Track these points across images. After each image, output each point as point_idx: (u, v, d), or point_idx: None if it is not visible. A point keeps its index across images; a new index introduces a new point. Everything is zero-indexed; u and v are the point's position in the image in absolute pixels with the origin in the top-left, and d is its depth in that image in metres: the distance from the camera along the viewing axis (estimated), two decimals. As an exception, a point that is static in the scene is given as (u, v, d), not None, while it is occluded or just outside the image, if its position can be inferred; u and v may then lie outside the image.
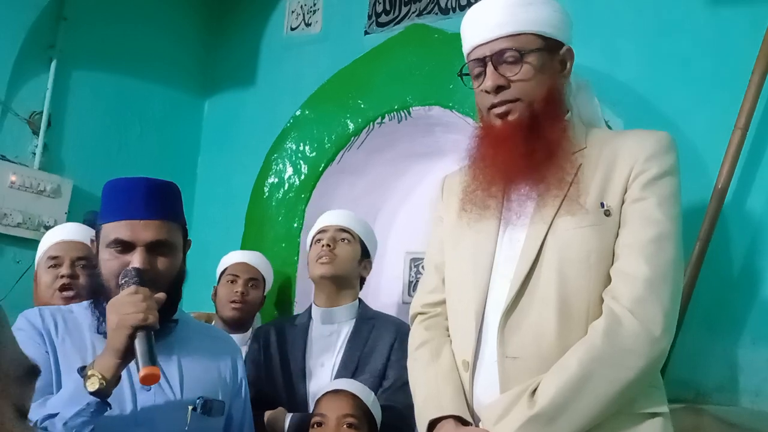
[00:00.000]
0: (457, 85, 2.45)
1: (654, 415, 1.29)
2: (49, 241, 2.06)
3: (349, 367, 1.90)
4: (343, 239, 2.06)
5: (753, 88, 1.77)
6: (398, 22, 2.66)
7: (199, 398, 1.40)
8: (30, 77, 2.57)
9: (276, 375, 1.96)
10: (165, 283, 1.38)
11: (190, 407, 1.38)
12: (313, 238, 2.13)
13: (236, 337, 2.35)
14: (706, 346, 1.78)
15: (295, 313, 2.69)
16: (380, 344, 1.92)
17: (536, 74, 1.38)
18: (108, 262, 1.37)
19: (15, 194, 2.48)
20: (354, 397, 1.67)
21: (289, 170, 2.81)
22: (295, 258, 2.74)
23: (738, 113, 1.78)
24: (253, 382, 1.96)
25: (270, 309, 2.76)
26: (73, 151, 2.69)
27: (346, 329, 1.99)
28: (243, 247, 2.77)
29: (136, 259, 1.35)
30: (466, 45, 1.47)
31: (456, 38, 2.45)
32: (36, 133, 2.58)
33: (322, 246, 2.03)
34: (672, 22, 2.00)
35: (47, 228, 2.52)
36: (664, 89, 1.97)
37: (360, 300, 2.07)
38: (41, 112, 2.59)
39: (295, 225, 2.76)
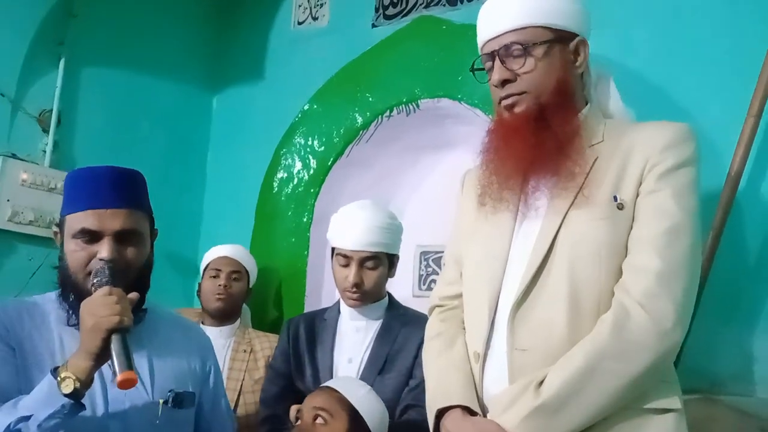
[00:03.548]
0: (465, 76, 2.44)
1: (665, 411, 1.28)
2: None
3: (376, 364, 1.88)
4: (369, 266, 1.94)
5: (766, 75, 1.75)
6: (405, 14, 2.65)
7: (169, 391, 1.40)
8: (39, 75, 2.57)
9: (304, 368, 1.95)
10: (133, 272, 1.37)
11: (161, 401, 1.37)
12: (334, 251, 1.99)
13: (225, 329, 2.43)
14: (720, 336, 1.76)
15: (305, 306, 2.71)
16: (409, 343, 1.88)
17: (542, 66, 1.38)
18: (75, 253, 1.35)
19: (26, 192, 2.49)
20: (332, 392, 1.66)
21: (298, 165, 2.81)
22: (305, 252, 2.74)
23: (751, 101, 1.76)
24: (282, 374, 1.99)
25: (281, 303, 2.77)
26: (84, 148, 2.70)
27: (375, 325, 1.96)
28: (253, 242, 2.80)
29: (103, 249, 1.33)
30: (479, 40, 1.49)
31: (464, 29, 2.46)
32: (46, 130, 2.59)
33: (350, 283, 1.92)
34: (684, 9, 1.98)
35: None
36: (676, 77, 1.95)
37: (389, 295, 2.05)
38: (51, 110, 2.59)
39: (305, 219, 2.76)
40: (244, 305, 2.60)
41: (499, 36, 1.41)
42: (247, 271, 2.53)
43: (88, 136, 2.72)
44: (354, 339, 1.96)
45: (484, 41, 1.46)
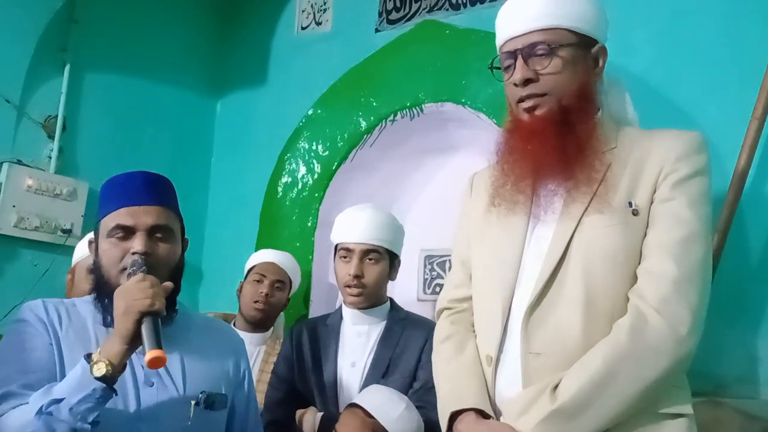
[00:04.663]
0: (469, 80, 2.46)
1: (677, 416, 1.28)
2: None
3: (380, 368, 1.89)
4: (371, 259, 1.97)
5: (769, 78, 1.75)
6: (409, 19, 2.65)
7: (201, 392, 1.39)
8: (44, 81, 2.60)
9: (308, 373, 1.96)
10: (165, 270, 1.38)
11: (192, 402, 1.37)
12: (337, 247, 2.04)
13: (257, 336, 2.40)
14: (725, 338, 1.76)
15: (310, 310, 2.71)
16: (411, 345, 1.90)
17: (566, 69, 1.38)
18: (108, 251, 1.37)
19: (32, 198, 2.50)
20: (365, 417, 1.65)
21: (303, 169, 2.82)
22: (310, 257, 2.74)
23: (755, 103, 1.76)
24: (285, 380, 2.00)
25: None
26: (88, 153, 2.72)
27: (377, 330, 1.97)
28: (258, 247, 2.79)
29: (137, 243, 1.34)
30: (499, 38, 1.47)
31: (467, 33, 2.47)
32: (51, 136, 2.60)
33: (351, 276, 1.94)
34: (686, 11, 1.98)
35: (64, 231, 2.56)
36: (678, 80, 1.95)
37: (391, 299, 2.05)
38: (56, 116, 2.61)
39: (309, 224, 2.76)
40: (281, 314, 2.56)
41: (523, 35, 1.39)
42: (290, 281, 2.50)
43: (93, 142, 2.74)
44: (357, 343, 1.97)
45: (506, 39, 1.44)
